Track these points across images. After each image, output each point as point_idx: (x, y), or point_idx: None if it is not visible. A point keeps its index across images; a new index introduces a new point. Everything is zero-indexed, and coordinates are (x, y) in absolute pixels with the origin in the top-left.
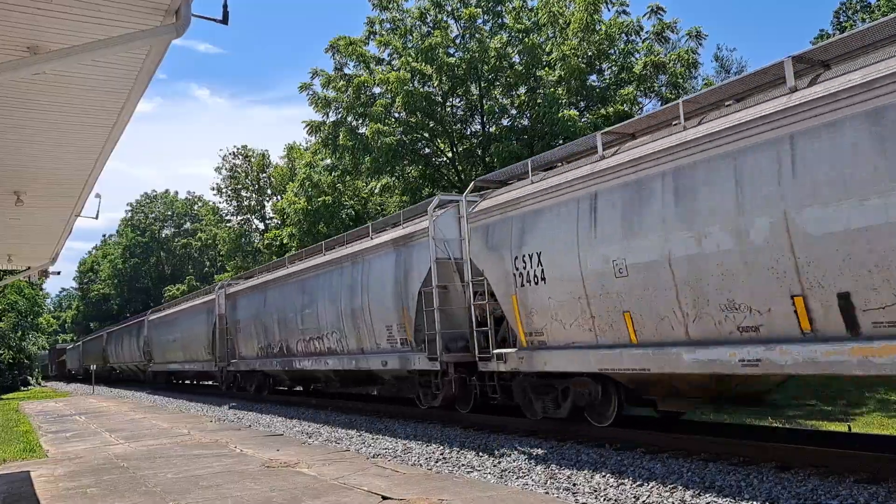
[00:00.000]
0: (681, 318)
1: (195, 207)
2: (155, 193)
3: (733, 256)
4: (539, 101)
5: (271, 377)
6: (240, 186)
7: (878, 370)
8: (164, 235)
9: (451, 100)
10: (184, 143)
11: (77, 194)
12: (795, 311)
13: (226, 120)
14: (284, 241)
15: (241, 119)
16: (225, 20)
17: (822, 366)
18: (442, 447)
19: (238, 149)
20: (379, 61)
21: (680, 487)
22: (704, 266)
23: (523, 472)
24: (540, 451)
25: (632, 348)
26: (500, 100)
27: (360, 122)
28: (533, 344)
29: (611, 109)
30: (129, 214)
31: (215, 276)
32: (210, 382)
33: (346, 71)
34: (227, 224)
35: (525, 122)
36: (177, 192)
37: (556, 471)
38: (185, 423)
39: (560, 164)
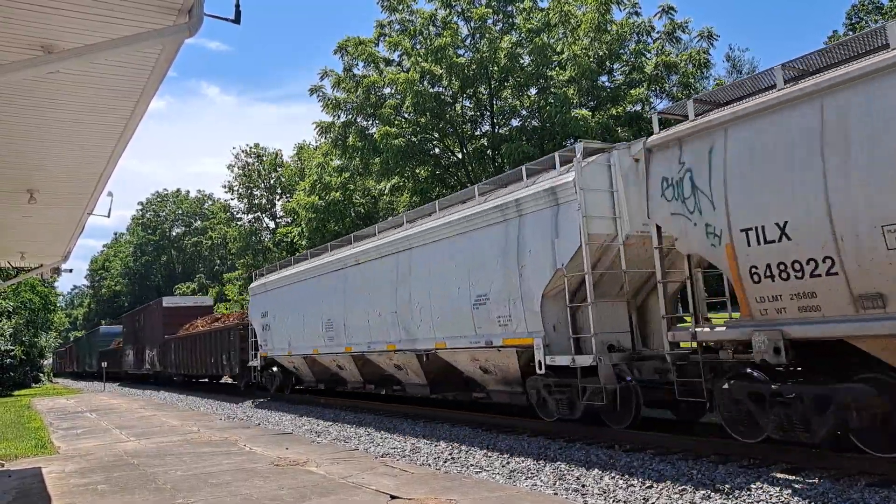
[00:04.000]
0: None
1: (205, 206)
2: (166, 192)
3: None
4: (550, 100)
5: None
6: (252, 185)
7: None
8: (174, 234)
9: (460, 100)
10: (193, 140)
11: (89, 192)
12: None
13: (234, 118)
14: (295, 240)
15: (250, 117)
16: (237, 20)
17: None
18: (450, 447)
19: (250, 147)
20: (388, 62)
21: (689, 489)
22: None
23: (532, 473)
24: (549, 452)
25: None
26: (511, 100)
27: (370, 122)
28: None
29: (622, 109)
30: (140, 213)
31: (224, 275)
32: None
33: (356, 71)
34: (238, 222)
35: (535, 122)
36: (188, 192)
37: (566, 471)
38: (195, 420)
39: None
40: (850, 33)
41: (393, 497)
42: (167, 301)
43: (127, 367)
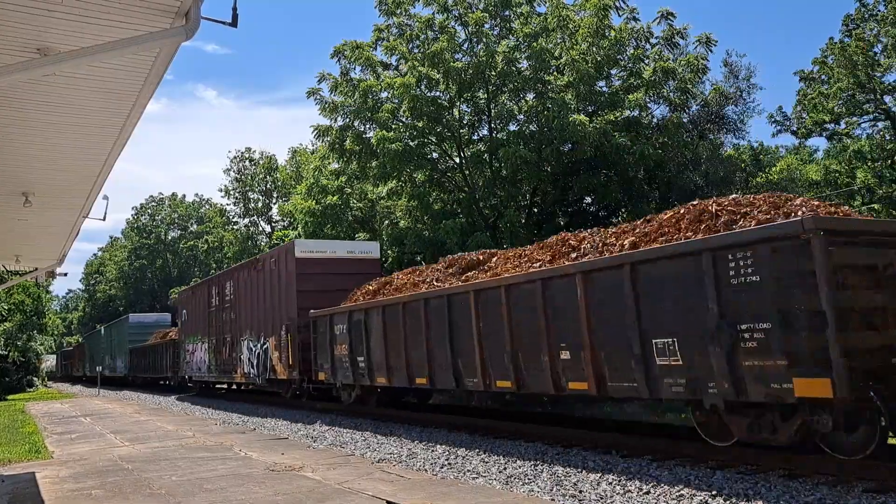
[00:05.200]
0: None
1: (201, 210)
2: (161, 196)
3: None
4: (548, 105)
5: None
6: (247, 189)
7: None
8: (170, 238)
9: (458, 105)
10: (190, 143)
11: (85, 196)
12: None
13: (232, 121)
14: None
15: (248, 120)
16: (234, 23)
17: None
18: (447, 452)
19: (241, 152)
20: (386, 66)
21: (686, 495)
22: None
23: (529, 479)
24: (546, 457)
25: None
26: (508, 105)
27: (367, 126)
28: None
29: (619, 114)
30: (135, 217)
31: None
32: None
33: (353, 75)
34: (234, 226)
35: (533, 127)
36: (184, 196)
37: (562, 477)
38: (190, 425)
39: None
40: (847, 40)
41: (389, 503)
42: (302, 248)
43: (188, 372)
